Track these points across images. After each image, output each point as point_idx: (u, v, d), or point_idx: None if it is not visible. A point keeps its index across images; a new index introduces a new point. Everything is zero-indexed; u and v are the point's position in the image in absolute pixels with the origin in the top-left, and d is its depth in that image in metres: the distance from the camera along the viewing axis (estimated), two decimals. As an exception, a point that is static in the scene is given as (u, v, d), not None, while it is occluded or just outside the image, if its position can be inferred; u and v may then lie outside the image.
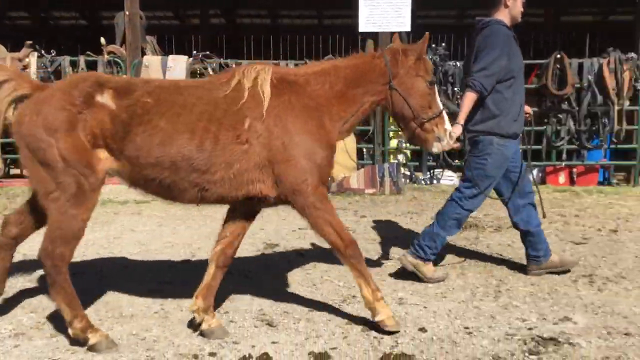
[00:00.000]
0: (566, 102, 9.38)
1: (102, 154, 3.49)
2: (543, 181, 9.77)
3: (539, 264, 4.85)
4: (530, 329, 3.77)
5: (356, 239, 3.77)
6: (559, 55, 9.34)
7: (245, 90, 3.61)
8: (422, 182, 9.73)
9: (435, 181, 9.79)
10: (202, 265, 3.98)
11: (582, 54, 12.21)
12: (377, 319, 3.68)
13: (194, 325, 3.78)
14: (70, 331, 3.48)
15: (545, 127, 9.43)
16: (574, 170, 9.83)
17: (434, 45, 9.47)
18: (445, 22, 18.07)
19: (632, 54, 9.19)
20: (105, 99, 3.48)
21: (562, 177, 9.83)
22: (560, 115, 9.45)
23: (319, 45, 17.28)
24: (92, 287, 4.44)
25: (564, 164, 9.66)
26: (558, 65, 9.31)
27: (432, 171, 9.86)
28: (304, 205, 3.64)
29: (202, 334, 3.67)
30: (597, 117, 9.32)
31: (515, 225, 4.90)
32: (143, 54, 9.71)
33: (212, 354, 3.42)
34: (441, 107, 4.00)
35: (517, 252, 5.43)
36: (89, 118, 3.42)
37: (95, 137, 3.44)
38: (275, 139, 3.57)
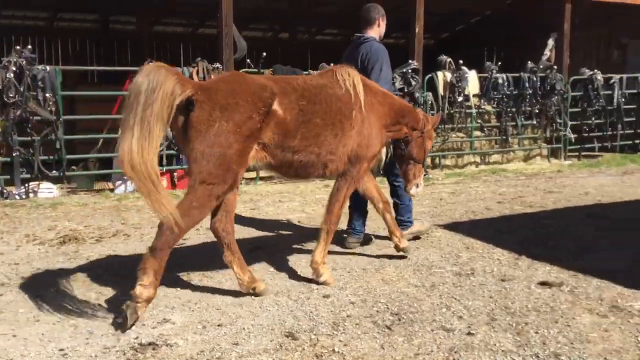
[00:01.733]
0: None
1: (253, 151, 4.08)
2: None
3: (359, 238, 5.95)
4: (129, 337, 3.71)
5: None
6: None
7: (350, 88, 4.59)
8: (17, 197, 8.84)
9: (32, 195, 8.99)
10: None
11: (176, 62, 12.80)
12: (321, 279, 4.69)
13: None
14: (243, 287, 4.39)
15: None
16: (175, 174, 10.23)
17: (18, 47, 8.65)
18: (35, 24, 16.85)
19: (218, 64, 10.00)
20: (276, 106, 4.10)
21: (164, 181, 10.09)
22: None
23: None
24: None
25: (164, 169, 9.88)
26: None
27: (27, 185, 9.01)
28: (352, 174, 4.71)
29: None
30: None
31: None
32: None
33: None
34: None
35: (119, 259, 5.32)
36: (264, 125, 4.03)
37: (259, 139, 4.06)
38: (366, 129, 4.65)
